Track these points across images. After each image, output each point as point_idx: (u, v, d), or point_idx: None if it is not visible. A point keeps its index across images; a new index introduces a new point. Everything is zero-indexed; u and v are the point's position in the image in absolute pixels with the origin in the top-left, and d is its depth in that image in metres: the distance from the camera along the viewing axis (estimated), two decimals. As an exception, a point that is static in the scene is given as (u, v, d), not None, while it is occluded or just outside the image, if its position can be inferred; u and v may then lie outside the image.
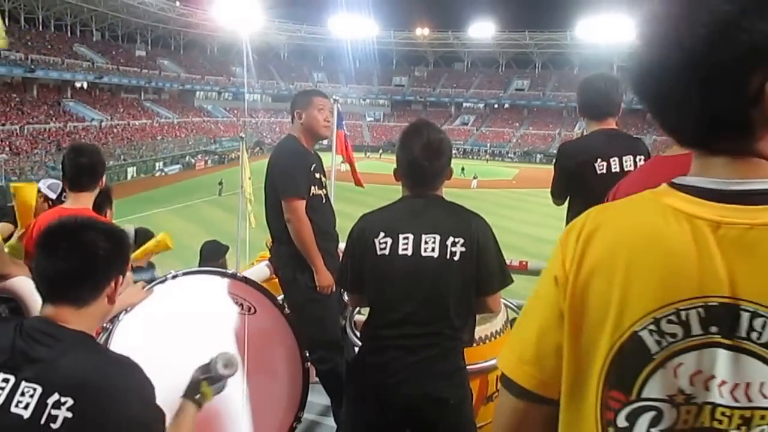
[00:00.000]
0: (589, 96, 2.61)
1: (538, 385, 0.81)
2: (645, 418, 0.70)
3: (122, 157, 40.18)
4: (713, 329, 0.67)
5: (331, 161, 4.99)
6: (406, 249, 1.87)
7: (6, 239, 2.94)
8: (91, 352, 1.25)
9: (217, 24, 56.65)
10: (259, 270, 3.63)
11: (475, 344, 2.33)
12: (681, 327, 0.68)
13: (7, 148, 34.63)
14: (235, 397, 2.08)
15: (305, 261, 2.76)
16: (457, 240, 1.86)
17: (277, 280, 3.02)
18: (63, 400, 1.13)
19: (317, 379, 2.82)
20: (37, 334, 1.20)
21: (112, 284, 1.32)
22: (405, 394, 1.88)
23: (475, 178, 37.50)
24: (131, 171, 39.29)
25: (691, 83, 0.68)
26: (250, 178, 6.72)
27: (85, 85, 49.75)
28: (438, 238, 1.87)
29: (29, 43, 44.28)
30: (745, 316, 0.66)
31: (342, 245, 2.09)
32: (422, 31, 69.46)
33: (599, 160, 2.51)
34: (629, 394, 0.71)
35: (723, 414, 0.66)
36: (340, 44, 64.24)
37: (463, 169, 37.41)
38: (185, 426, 1.45)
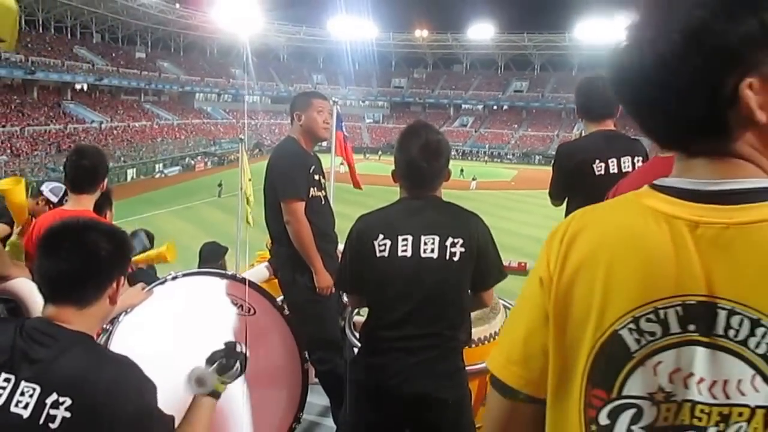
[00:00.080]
0: (587, 97, 2.61)
1: (525, 384, 0.82)
2: (626, 416, 0.70)
3: (122, 158, 40.14)
4: (691, 327, 0.68)
5: (331, 163, 4.99)
6: (405, 250, 1.87)
7: (5, 239, 2.95)
8: (90, 351, 1.25)
9: (216, 26, 56.64)
10: (259, 271, 3.62)
11: (474, 345, 2.34)
12: (660, 325, 0.69)
13: (8, 150, 34.63)
14: (234, 398, 2.08)
15: (305, 262, 2.76)
16: (456, 240, 1.86)
17: (276, 281, 3.03)
18: (61, 399, 1.14)
19: (316, 379, 2.83)
20: (36, 335, 1.21)
21: (114, 285, 1.32)
22: (405, 394, 1.88)
23: (474, 179, 37.51)
24: (131, 173, 39.30)
25: (667, 87, 0.70)
26: (250, 180, 6.71)
27: (85, 87, 49.71)
28: (437, 238, 1.87)
29: (29, 45, 44.19)
30: (722, 314, 0.67)
31: (341, 246, 2.10)
32: (421, 33, 69.48)
33: (597, 161, 2.51)
34: (610, 392, 0.72)
35: (702, 411, 0.67)
36: (340, 46, 64.19)
37: (462, 170, 37.42)
38: (201, 421, 1.42)
